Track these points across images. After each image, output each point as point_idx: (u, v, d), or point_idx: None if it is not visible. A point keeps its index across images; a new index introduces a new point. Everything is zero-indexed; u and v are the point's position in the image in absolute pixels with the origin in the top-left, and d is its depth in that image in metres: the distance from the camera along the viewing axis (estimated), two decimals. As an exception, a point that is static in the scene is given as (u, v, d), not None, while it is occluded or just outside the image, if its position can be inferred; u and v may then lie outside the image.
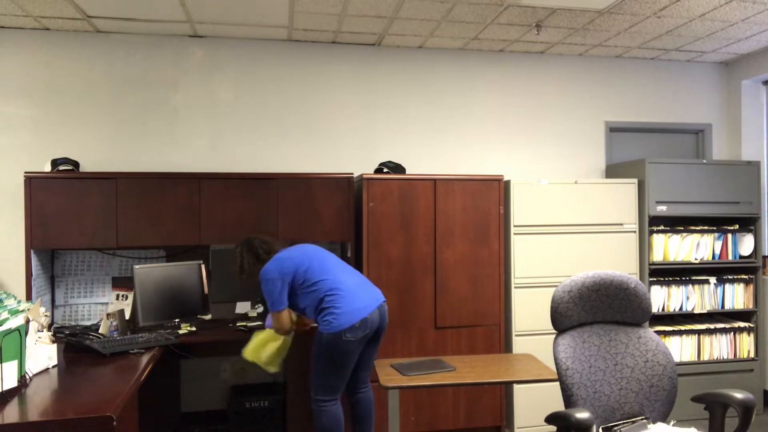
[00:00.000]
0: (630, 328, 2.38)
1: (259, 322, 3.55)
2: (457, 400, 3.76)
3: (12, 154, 3.81)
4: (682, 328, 4.15)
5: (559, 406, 3.75)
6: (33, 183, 3.40)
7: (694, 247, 4.15)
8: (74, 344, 2.86)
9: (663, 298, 4.12)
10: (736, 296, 4.24)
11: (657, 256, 4.09)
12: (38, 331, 2.43)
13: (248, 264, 3.12)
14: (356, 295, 2.96)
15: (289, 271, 2.98)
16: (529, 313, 3.90)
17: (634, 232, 4.09)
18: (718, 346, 4.20)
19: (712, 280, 4.20)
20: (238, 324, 3.55)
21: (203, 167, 4.05)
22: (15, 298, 2.43)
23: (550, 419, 2.05)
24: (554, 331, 2.36)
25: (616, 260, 4.04)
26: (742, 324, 4.24)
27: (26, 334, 2.26)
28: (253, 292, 3.79)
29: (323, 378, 2.95)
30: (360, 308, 2.91)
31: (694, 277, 4.18)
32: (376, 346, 3.12)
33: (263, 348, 3.09)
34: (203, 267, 3.69)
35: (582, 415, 1.92)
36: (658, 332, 4.08)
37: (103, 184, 3.49)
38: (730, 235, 4.22)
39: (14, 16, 3.60)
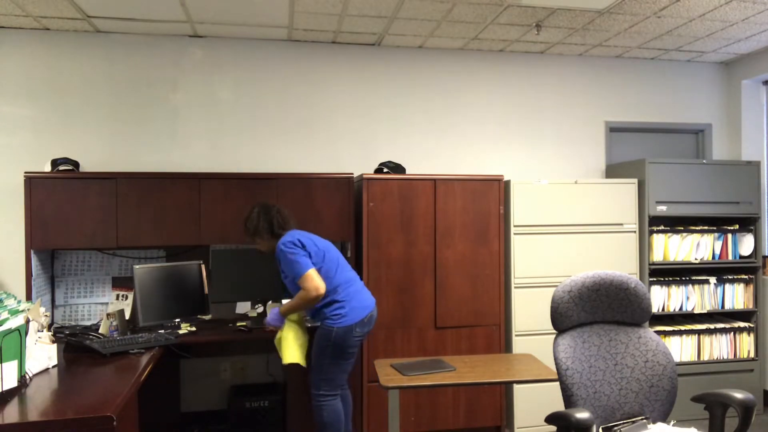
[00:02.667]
0: (630, 328, 2.38)
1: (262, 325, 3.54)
2: (457, 400, 3.76)
3: (12, 154, 3.81)
4: (682, 328, 4.15)
5: (559, 406, 3.75)
6: (33, 183, 3.40)
7: (694, 247, 4.15)
8: (74, 344, 2.86)
9: (663, 298, 4.12)
10: (736, 296, 4.24)
11: (657, 256, 4.09)
12: (38, 331, 2.43)
13: (260, 228, 3.10)
14: (362, 293, 3.08)
15: (310, 247, 3.00)
16: (529, 313, 3.90)
17: (634, 232, 4.09)
18: (718, 346, 4.20)
19: (712, 280, 4.20)
20: (238, 324, 3.55)
21: (203, 167, 4.05)
22: (15, 298, 2.43)
23: (550, 419, 2.05)
24: (554, 331, 2.36)
25: (616, 260, 4.04)
26: (742, 324, 4.24)
27: (26, 334, 2.26)
28: (253, 292, 3.78)
29: (327, 372, 2.99)
30: (367, 305, 3.04)
31: (694, 277, 4.18)
32: (362, 345, 3.27)
33: (296, 347, 3.08)
34: (203, 267, 3.69)
35: (582, 415, 1.92)
36: (658, 332, 4.08)
37: (103, 184, 3.49)
38: (730, 235, 4.22)
39: (14, 16, 3.60)
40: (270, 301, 3.77)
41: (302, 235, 3.05)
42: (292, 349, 3.06)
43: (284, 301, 3.28)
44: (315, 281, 2.90)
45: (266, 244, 3.14)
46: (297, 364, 3.08)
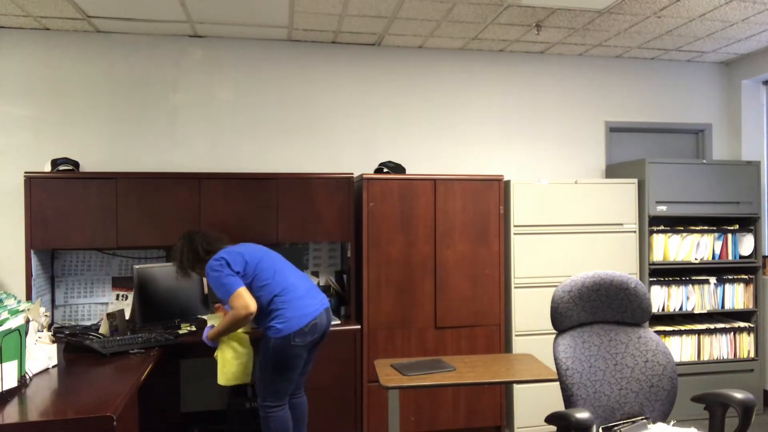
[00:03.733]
0: (630, 328, 2.38)
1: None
2: (457, 400, 3.76)
3: (12, 154, 3.81)
4: (682, 328, 4.15)
5: (559, 406, 3.75)
6: (33, 183, 3.40)
7: (694, 247, 4.15)
8: (74, 344, 2.86)
9: (663, 298, 4.12)
10: (736, 296, 4.24)
11: (657, 256, 4.09)
12: (38, 331, 2.43)
13: (187, 260, 3.02)
14: (305, 299, 2.93)
15: (238, 263, 2.88)
16: (529, 313, 3.90)
17: (634, 232, 4.09)
18: (718, 346, 4.20)
19: (712, 280, 4.20)
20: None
21: (203, 167, 4.05)
22: (15, 298, 2.43)
23: (550, 419, 2.05)
24: (554, 331, 2.36)
25: (616, 260, 4.04)
26: (742, 324, 4.24)
27: (26, 334, 2.26)
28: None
29: (271, 383, 2.91)
30: (308, 313, 2.90)
31: (694, 277, 4.18)
32: (316, 351, 3.11)
33: (232, 367, 3.01)
34: (203, 267, 3.69)
35: (582, 415, 1.92)
36: (658, 332, 4.08)
37: (103, 184, 3.49)
38: (730, 235, 4.22)
39: (14, 16, 3.60)
40: (207, 315, 3.60)
41: (229, 253, 2.91)
42: (227, 368, 2.97)
43: (211, 321, 3.19)
44: (244, 299, 2.78)
45: (200, 271, 3.03)
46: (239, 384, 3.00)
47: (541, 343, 3.89)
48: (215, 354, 3.04)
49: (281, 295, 2.89)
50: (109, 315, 3.29)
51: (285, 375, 2.91)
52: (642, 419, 2.24)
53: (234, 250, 2.95)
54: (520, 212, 3.90)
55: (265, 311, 2.89)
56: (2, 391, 2.07)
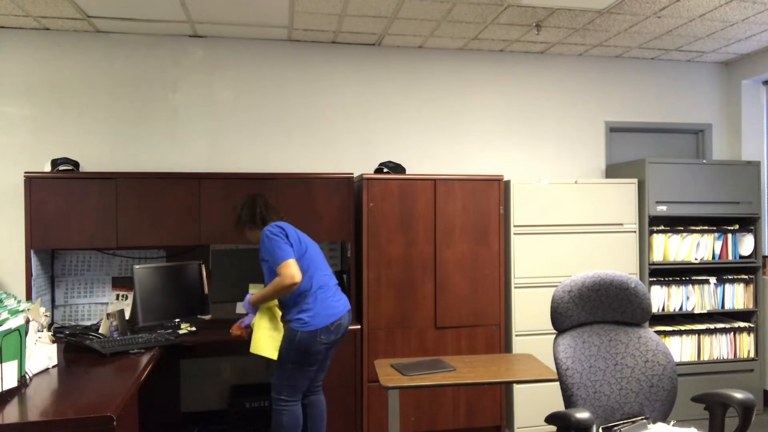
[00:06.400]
0: (630, 328, 2.38)
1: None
2: (457, 400, 3.76)
3: (12, 154, 3.81)
4: (682, 328, 4.15)
5: (559, 406, 3.75)
6: (33, 183, 3.40)
7: (694, 247, 4.15)
8: (74, 344, 2.86)
9: (663, 298, 4.12)
10: (736, 296, 4.24)
11: (657, 256, 4.09)
12: (38, 331, 2.43)
13: (243, 220, 3.09)
14: (333, 299, 2.99)
15: (292, 237, 2.95)
16: (529, 313, 3.90)
17: (634, 232, 4.09)
18: (718, 346, 4.20)
19: (712, 280, 4.20)
20: (238, 324, 3.54)
21: (203, 167, 4.05)
22: (15, 298, 2.43)
23: (550, 419, 2.05)
24: (554, 331, 2.36)
25: (616, 260, 4.04)
26: (742, 324, 4.24)
27: (26, 334, 2.26)
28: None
29: (289, 378, 2.94)
30: (335, 313, 2.96)
31: (694, 277, 4.18)
32: (333, 350, 3.13)
33: (266, 336, 3.00)
34: (203, 267, 3.69)
35: (582, 415, 1.92)
36: (658, 332, 4.08)
37: (103, 184, 3.49)
38: (730, 235, 4.22)
39: (14, 16, 3.60)
40: (251, 284, 3.61)
41: (287, 228, 2.99)
42: (264, 338, 2.95)
43: (252, 290, 3.22)
44: (292, 269, 2.83)
45: (252, 233, 3.11)
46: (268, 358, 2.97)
47: (541, 343, 3.89)
48: (252, 322, 3.04)
49: (314, 291, 2.94)
50: (109, 315, 3.29)
51: (304, 370, 2.95)
52: (642, 419, 2.24)
53: (291, 228, 3.01)
54: (520, 212, 3.90)
55: (294, 301, 2.93)
56: (2, 391, 2.07)
